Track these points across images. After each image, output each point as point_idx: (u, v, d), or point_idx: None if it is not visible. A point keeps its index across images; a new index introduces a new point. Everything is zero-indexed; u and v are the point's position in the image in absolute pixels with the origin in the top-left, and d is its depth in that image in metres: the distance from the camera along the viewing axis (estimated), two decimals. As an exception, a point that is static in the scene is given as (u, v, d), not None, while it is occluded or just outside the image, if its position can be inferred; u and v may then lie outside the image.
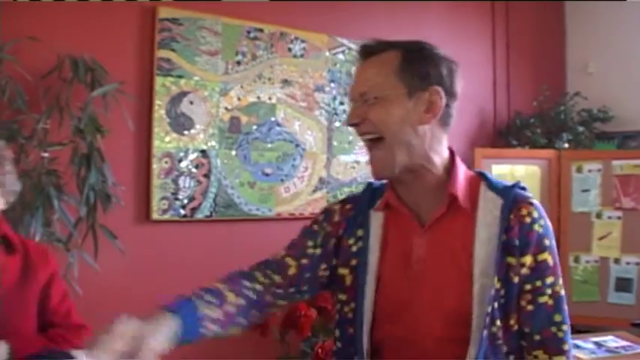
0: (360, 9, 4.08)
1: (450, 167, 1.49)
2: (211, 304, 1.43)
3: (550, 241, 1.42)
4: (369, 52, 1.49)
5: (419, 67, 1.44)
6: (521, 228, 1.40)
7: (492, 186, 1.47)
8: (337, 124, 3.88)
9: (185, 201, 3.41)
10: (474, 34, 4.74)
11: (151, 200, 3.33)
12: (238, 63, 3.58)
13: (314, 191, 3.79)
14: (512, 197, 1.43)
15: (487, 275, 1.38)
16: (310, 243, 1.55)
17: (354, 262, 1.50)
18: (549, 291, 1.40)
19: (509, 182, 1.51)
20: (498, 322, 1.37)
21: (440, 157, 1.47)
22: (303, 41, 3.80)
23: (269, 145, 3.66)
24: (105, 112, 3.03)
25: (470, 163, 4.27)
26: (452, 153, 1.51)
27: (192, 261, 3.48)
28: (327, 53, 3.89)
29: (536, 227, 1.40)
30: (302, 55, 3.79)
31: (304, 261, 1.53)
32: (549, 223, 1.44)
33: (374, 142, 1.44)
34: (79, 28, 3.23)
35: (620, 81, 4.88)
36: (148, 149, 3.35)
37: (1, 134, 2.92)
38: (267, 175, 3.65)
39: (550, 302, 1.40)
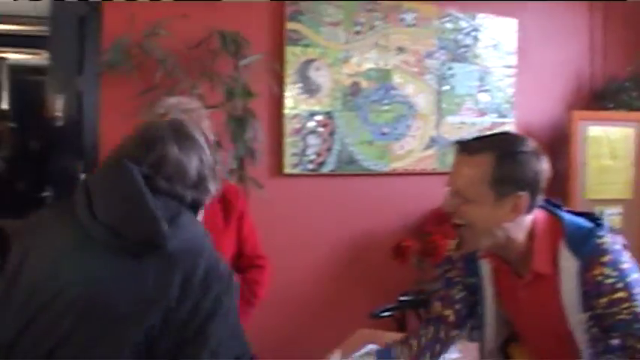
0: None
1: (532, 240, 1.73)
2: (402, 348, 1.95)
3: (624, 282, 1.65)
4: (465, 149, 1.71)
5: (509, 173, 1.64)
6: (595, 285, 1.66)
7: (570, 243, 1.69)
8: (445, 87, 4.21)
9: (312, 157, 3.83)
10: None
11: (283, 156, 3.77)
12: (357, 33, 3.95)
13: (425, 149, 4.15)
14: (586, 259, 1.66)
15: (577, 312, 1.70)
16: (454, 290, 1.97)
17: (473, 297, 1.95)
18: (625, 311, 1.65)
19: (586, 226, 1.72)
20: (596, 340, 1.69)
21: (523, 232, 1.72)
22: (414, 12, 4.12)
23: (385, 107, 4.02)
24: (249, 79, 3.47)
25: (566, 126, 4.53)
26: (536, 216, 1.74)
27: (319, 210, 3.92)
28: (437, 22, 4.20)
29: (607, 281, 1.66)
30: (414, 25, 4.12)
31: (457, 306, 1.97)
32: (625, 265, 1.67)
33: (463, 225, 1.72)
34: (221, 5, 3.66)
35: None
36: (280, 111, 3.79)
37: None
38: (383, 134, 4.02)
39: (628, 317, 1.65)
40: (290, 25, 3.78)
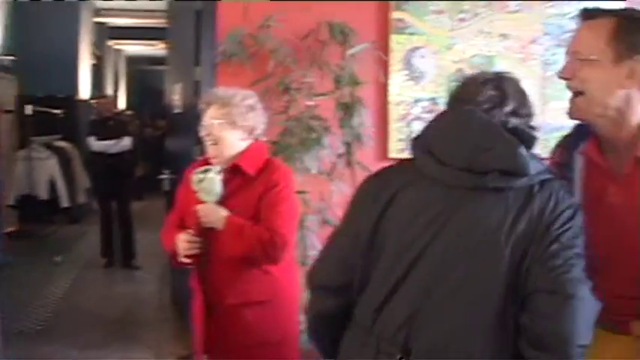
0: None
1: None
2: None
3: None
4: (587, 16, 1.63)
5: (630, 36, 1.55)
6: None
7: None
8: (550, 73, 4.18)
9: (418, 142, 3.91)
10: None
11: (389, 141, 3.89)
12: (462, 20, 4.00)
13: (529, 134, 4.14)
14: None
15: None
16: None
17: None
18: None
19: None
20: None
21: (636, 117, 1.60)
22: (518, -3, 4.12)
23: (489, 94, 4.05)
24: (356, 68, 3.59)
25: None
26: None
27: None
28: (541, 8, 4.17)
29: None
30: (517, 11, 4.11)
31: None
32: None
33: (577, 93, 1.64)
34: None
35: None
36: (386, 98, 3.90)
37: (278, 88, 3.59)
38: (488, 119, 4.05)
39: None
40: (395, 14, 3.88)
